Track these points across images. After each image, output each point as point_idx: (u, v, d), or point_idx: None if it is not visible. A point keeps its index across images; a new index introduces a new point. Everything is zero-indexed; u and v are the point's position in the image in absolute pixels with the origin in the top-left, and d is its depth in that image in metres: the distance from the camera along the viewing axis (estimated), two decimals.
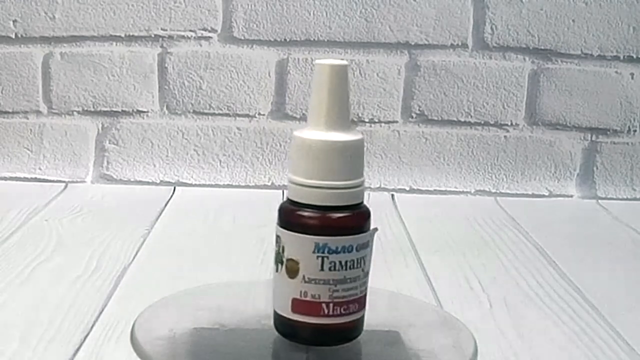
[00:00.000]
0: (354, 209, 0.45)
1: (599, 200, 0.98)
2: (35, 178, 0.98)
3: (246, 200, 0.94)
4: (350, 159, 0.44)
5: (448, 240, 0.80)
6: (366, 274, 0.46)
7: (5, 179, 0.98)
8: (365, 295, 0.47)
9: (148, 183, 0.98)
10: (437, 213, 0.91)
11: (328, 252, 0.44)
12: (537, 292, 0.65)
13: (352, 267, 0.45)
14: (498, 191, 0.99)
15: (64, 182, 0.98)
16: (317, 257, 0.44)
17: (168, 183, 0.98)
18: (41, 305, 0.59)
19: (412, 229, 0.83)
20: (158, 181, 0.98)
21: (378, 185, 0.99)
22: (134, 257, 0.71)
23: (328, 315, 0.45)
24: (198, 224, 0.84)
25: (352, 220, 0.45)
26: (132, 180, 0.98)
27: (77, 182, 0.98)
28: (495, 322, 0.59)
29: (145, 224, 0.81)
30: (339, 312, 0.45)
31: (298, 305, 0.45)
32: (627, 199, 0.99)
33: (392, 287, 0.64)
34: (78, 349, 0.52)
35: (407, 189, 0.99)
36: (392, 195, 0.97)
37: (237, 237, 0.79)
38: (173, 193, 0.95)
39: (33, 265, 0.68)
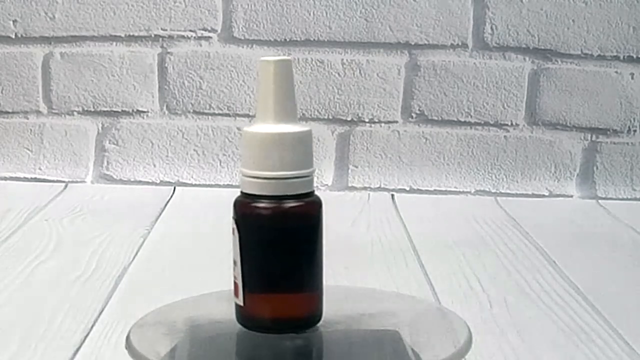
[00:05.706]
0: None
1: (599, 200, 0.98)
2: (35, 178, 0.98)
3: None
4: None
5: (448, 240, 0.80)
6: (235, 264, 0.45)
7: (5, 179, 0.98)
8: (236, 286, 0.45)
9: (148, 183, 0.98)
10: (437, 213, 0.91)
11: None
12: (537, 292, 0.65)
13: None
14: (498, 191, 0.99)
15: (64, 182, 0.98)
16: None
17: (168, 183, 0.98)
18: (41, 305, 0.59)
19: (412, 229, 0.83)
20: (158, 181, 0.98)
21: (378, 185, 0.99)
22: (134, 257, 0.71)
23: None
24: (198, 224, 0.84)
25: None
26: (132, 180, 0.98)
27: (77, 182, 0.98)
28: (495, 322, 0.59)
29: (145, 224, 0.81)
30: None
31: None
32: (627, 199, 0.99)
33: (392, 287, 0.64)
34: (78, 349, 0.52)
35: (407, 189, 0.99)
36: (392, 195, 0.97)
37: None
38: (173, 193, 0.95)
39: (33, 265, 0.68)
